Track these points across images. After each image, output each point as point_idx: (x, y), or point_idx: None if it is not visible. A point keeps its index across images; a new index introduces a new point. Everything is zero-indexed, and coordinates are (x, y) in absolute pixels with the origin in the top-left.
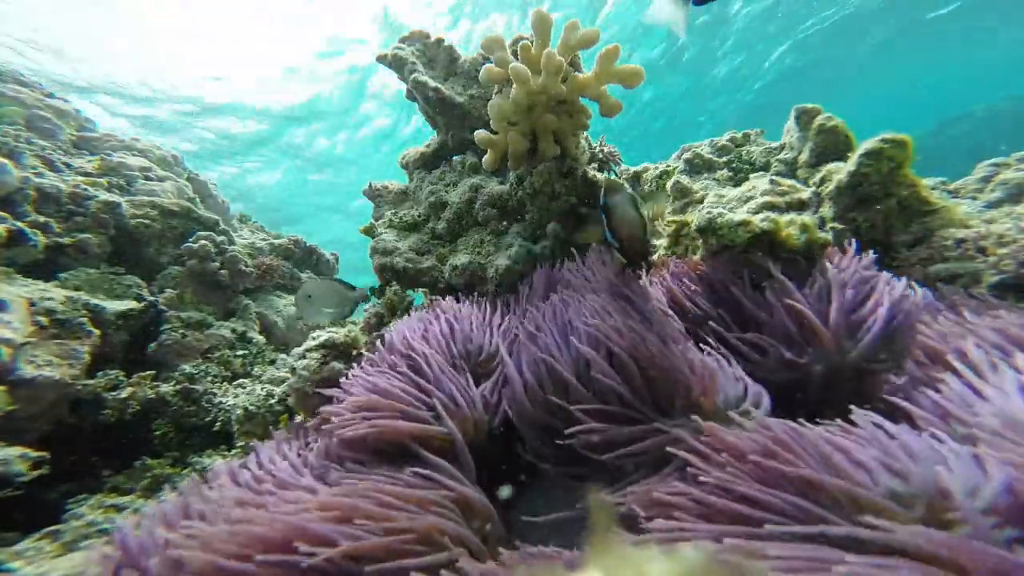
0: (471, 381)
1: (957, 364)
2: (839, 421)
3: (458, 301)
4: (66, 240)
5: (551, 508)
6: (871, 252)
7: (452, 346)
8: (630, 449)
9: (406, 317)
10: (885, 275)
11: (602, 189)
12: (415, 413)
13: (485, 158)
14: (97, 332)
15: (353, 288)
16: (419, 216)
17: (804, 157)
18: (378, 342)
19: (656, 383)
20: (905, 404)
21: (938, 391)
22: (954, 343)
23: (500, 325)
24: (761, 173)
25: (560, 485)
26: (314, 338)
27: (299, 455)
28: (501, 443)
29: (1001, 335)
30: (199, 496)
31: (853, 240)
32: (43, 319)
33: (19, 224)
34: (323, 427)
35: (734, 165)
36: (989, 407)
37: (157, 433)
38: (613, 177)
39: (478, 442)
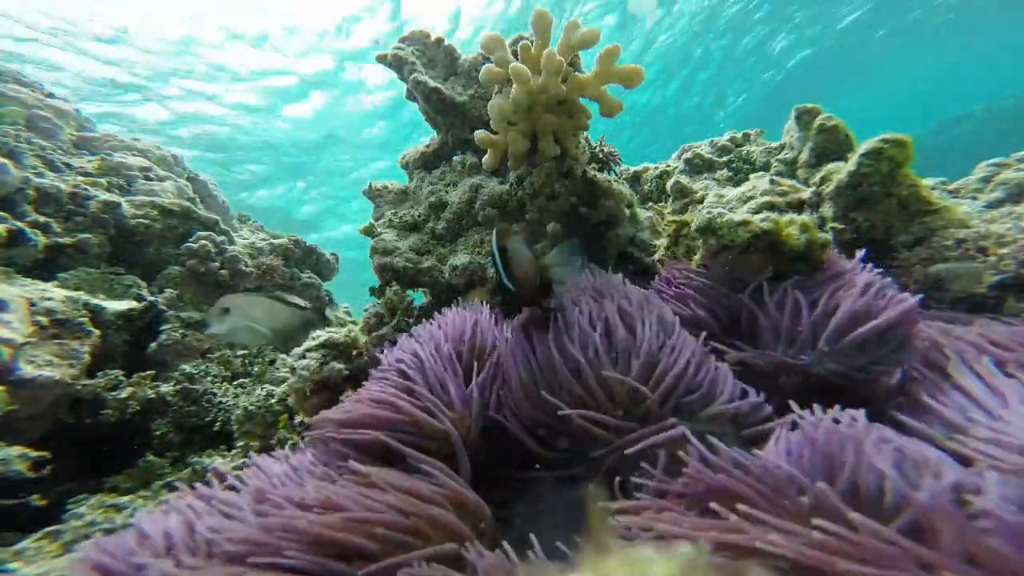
0: (462, 379)
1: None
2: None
3: (456, 304)
4: (66, 240)
5: (546, 508)
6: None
7: (445, 345)
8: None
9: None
10: (886, 280)
11: (494, 234)
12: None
13: (485, 158)
14: (97, 332)
15: (301, 307)
16: (419, 216)
17: (804, 157)
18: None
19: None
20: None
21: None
22: (956, 347)
23: (496, 325)
24: (761, 173)
25: (554, 485)
26: (314, 338)
27: (292, 464)
28: (494, 441)
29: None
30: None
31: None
32: (43, 319)
33: (19, 224)
34: (318, 421)
35: (734, 165)
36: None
37: (157, 433)
38: (613, 176)
39: (471, 440)
